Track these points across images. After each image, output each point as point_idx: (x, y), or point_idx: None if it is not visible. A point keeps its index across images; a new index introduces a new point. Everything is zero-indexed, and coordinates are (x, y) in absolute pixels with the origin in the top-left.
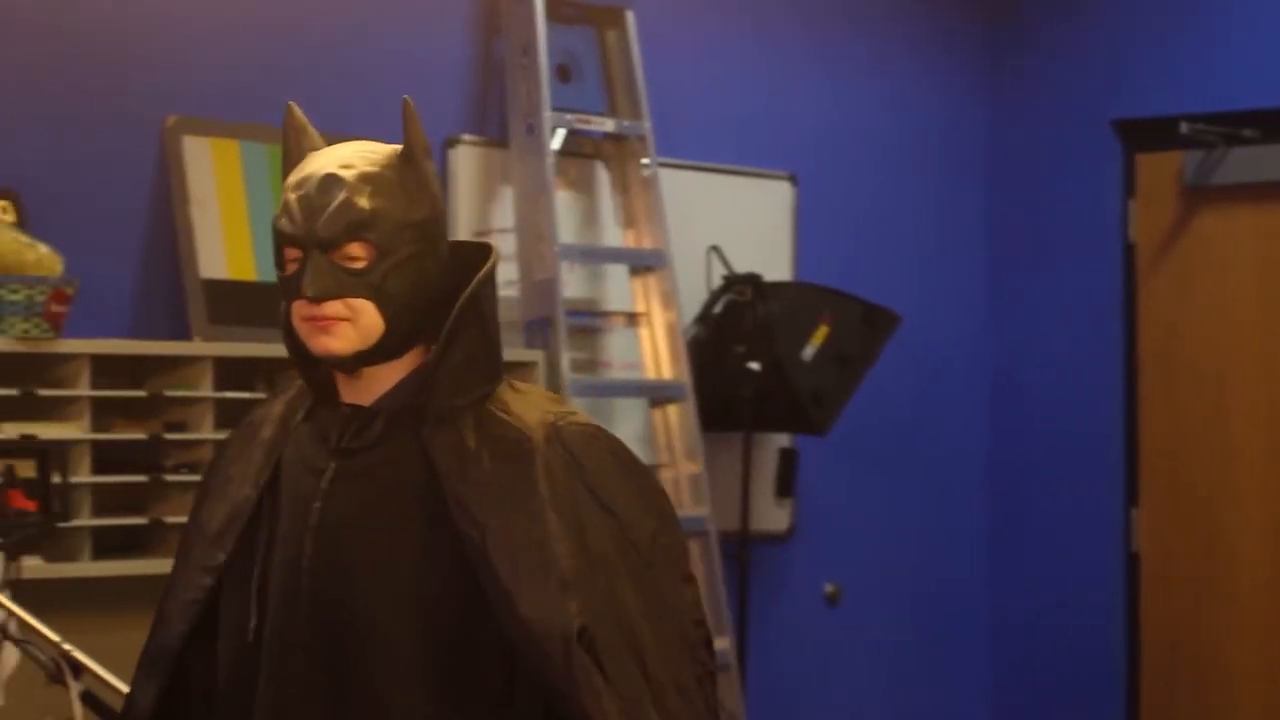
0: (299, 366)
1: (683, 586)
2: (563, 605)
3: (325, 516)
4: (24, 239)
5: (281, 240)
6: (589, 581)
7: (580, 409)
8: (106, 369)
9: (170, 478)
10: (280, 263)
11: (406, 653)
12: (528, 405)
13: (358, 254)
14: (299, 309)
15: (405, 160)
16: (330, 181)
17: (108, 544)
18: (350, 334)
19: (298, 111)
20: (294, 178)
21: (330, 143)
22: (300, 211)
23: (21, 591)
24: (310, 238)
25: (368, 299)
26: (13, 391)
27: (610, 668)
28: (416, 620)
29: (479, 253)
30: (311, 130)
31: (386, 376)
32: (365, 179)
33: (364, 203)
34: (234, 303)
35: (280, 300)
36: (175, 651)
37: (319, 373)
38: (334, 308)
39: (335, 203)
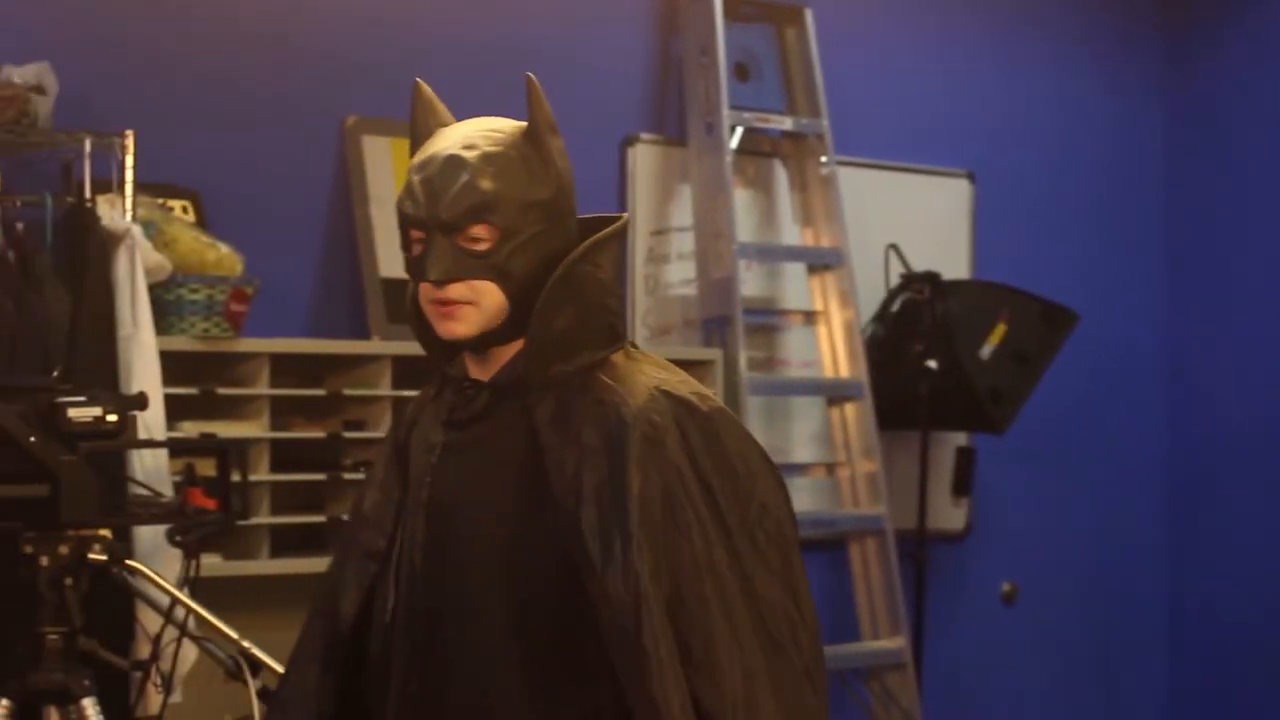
0: (425, 347)
1: (779, 567)
2: (640, 580)
3: (433, 492)
4: (205, 239)
5: (406, 222)
6: (672, 557)
7: (691, 377)
8: (285, 368)
9: (348, 476)
10: (406, 244)
11: (503, 626)
12: (636, 373)
13: (481, 236)
14: (425, 292)
15: (529, 138)
16: (453, 163)
17: (286, 542)
18: (474, 316)
19: (425, 88)
20: (418, 158)
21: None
22: (423, 194)
23: (200, 589)
24: (433, 220)
25: (491, 280)
26: (193, 390)
27: (687, 644)
28: (513, 592)
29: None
30: (440, 106)
31: (511, 352)
32: (488, 159)
33: (486, 184)
34: None
35: (408, 283)
36: (345, 637)
37: (447, 353)
38: (457, 290)
39: (458, 185)
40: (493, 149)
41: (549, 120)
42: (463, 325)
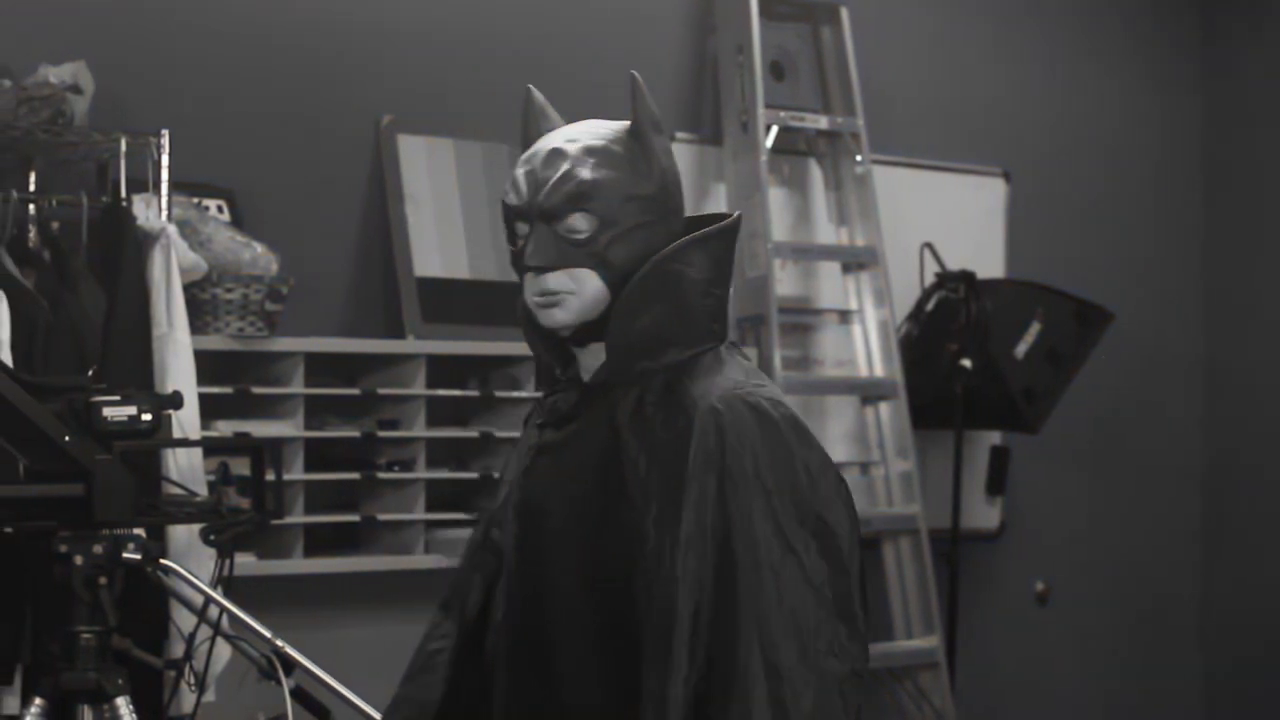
0: (534, 346)
1: (822, 580)
2: (677, 586)
3: (525, 491)
4: (240, 238)
5: (508, 214)
6: (720, 557)
7: (771, 383)
8: (320, 367)
9: (382, 475)
10: (511, 239)
11: (583, 624)
12: (717, 376)
13: (580, 225)
14: (528, 285)
15: (633, 135)
16: (554, 155)
17: (320, 541)
18: (574, 304)
19: (537, 94)
20: (523, 155)
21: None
22: (525, 184)
23: (234, 588)
24: (533, 209)
25: (591, 269)
26: (228, 390)
27: (715, 647)
28: (594, 592)
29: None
30: (551, 112)
31: None
32: (589, 151)
33: (586, 174)
34: (447, 300)
35: (517, 281)
36: (471, 630)
37: (558, 355)
38: (557, 279)
39: (557, 174)
40: (594, 142)
41: (652, 118)
42: (562, 312)
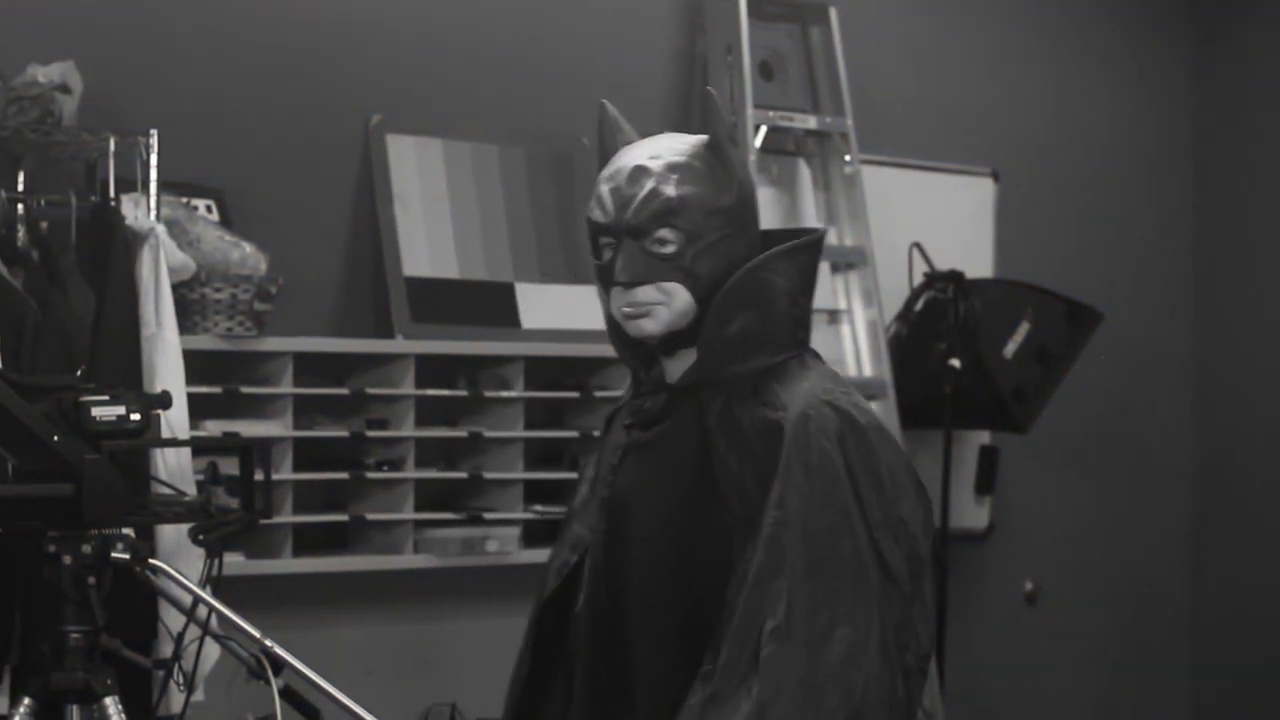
0: (621, 353)
1: (905, 570)
2: (745, 588)
3: (613, 490)
4: (228, 238)
5: (595, 230)
6: (804, 553)
7: (854, 390)
8: (309, 366)
9: (371, 475)
10: (596, 252)
11: (672, 623)
12: (804, 381)
13: (666, 239)
14: (615, 298)
15: (711, 149)
16: (638, 172)
17: (309, 541)
18: (663, 314)
19: (610, 108)
20: (606, 170)
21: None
22: (611, 202)
23: (223, 588)
24: (621, 226)
25: (678, 282)
26: (216, 389)
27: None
28: (681, 591)
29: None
30: (625, 126)
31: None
32: (672, 168)
33: (671, 190)
34: (436, 300)
35: (599, 290)
36: (536, 617)
37: (644, 360)
38: (647, 293)
39: (644, 192)
40: (676, 158)
41: (728, 132)
42: (651, 322)
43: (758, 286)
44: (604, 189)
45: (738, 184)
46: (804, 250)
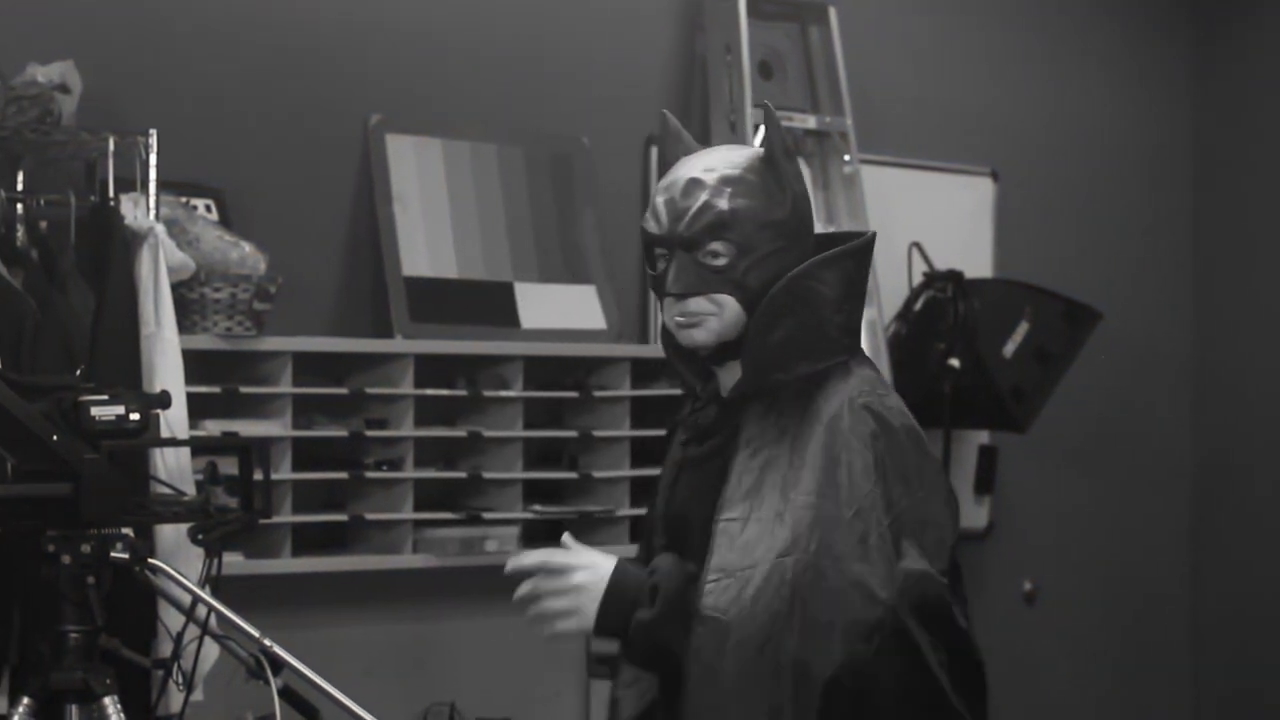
0: (675, 364)
1: (935, 566)
2: (785, 578)
3: (669, 506)
4: (228, 237)
5: (649, 241)
6: (827, 552)
7: (894, 394)
8: (308, 366)
9: (370, 475)
10: (650, 262)
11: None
12: (843, 386)
13: (719, 251)
14: (668, 308)
15: (766, 162)
16: (693, 185)
17: (308, 540)
18: (714, 324)
19: (672, 120)
20: (662, 182)
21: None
22: (666, 213)
23: (222, 588)
24: (674, 238)
25: (729, 294)
26: (215, 389)
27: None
28: None
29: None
30: (686, 136)
31: None
32: (726, 181)
33: (724, 204)
34: (436, 300)
35: (657, 300)
36: None
37: (699, 372)
38: (698, 304)
39: (697, 204)
40: (730, 171)
41: (784, 145)
42: (702, 332)
43: (800, 294)
44: (659, 200)
45: (791, 197)
46: (849, 256)
